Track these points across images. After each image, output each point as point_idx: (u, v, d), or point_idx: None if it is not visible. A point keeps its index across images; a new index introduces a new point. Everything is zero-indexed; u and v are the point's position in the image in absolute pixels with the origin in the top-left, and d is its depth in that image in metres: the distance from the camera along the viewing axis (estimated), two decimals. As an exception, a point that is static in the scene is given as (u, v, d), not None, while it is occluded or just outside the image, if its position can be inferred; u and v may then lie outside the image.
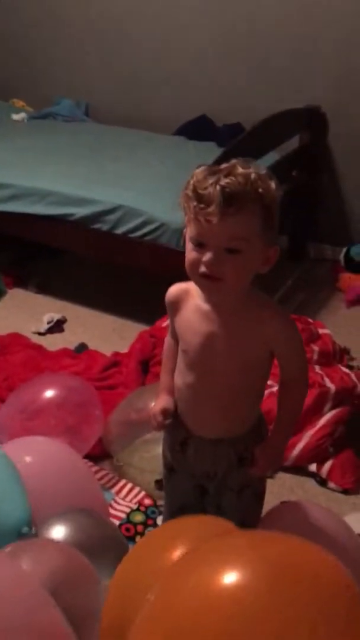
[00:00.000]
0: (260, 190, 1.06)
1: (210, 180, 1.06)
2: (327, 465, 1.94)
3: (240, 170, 1.07)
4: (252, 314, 1.17)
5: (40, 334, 2.66)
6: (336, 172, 3.11)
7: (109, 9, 3.38)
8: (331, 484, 1.92)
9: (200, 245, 1.09)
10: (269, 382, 2.11)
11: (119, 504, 1.83)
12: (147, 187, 2.63)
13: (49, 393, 1.88)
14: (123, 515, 1.76)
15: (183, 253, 2.51)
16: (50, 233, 2.75)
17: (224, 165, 1.09)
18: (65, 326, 2.72)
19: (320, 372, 2.10)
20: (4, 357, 2.42)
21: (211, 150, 2.87)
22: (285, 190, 2.87)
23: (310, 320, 2.37)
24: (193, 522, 1.06)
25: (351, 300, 2.87)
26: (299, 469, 1.98)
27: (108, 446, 1.97)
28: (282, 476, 1.97)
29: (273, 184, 1.10)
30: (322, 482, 1.94)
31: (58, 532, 1.24)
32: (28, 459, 1.37)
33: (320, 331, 2.33)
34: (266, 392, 2.07)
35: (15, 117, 3.59)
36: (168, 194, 2.55)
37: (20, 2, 3.62)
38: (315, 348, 2.20)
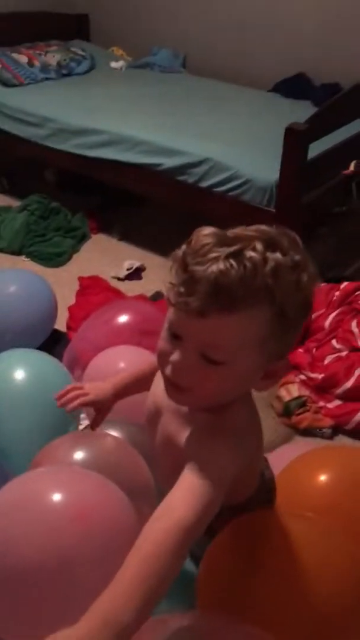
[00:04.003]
0: (273, 287, 0.77)
1: (209, 256, 0.77)
2: (390, 434, 1.94)
3: (254, 253, 0.77)
4: (202, 429, 0.88)
5: (119, 279, 2.75)
6: None
7: None
8: (391, 453, 1.92)
9: (175, 337, 0.83)
10: (337, 346, 2.15)
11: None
12: (236, 142, 2.62)
13: (124, 318, 1.84)
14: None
15: (267, 211, 2.52)
16: (137, 181, 2.80)
17: (239, 232, 0.81)
18: (143, 274, 2.80)
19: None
20: (84, 297, 2.54)
21: (306, 109, 2.82)
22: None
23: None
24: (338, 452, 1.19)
25: None
26: (360, 434, 1.99)
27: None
28: (342, 439, 1.99)
29: (304, 278, 0.80)
30: (383, 450, 1.94)
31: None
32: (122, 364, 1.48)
33: None
34: (333, 356, 2.11)
35: (113, 65, 3.64)
36: (257, 151, 2.55)
37: None
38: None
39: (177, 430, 0.93)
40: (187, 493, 0.79)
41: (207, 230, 0.82)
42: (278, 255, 0.78)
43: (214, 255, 0.77)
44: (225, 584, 0.90)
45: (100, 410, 1.17)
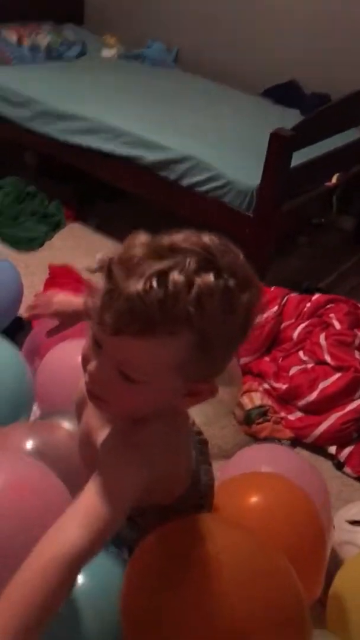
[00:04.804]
0: (195, 314, 0.71)
1: (134, 270, 0.72)
2: (347, 450, 1.94)
3: (180, 275, 0.70)
4: (117, 438, 0.87)
5: (91, 271, 2.69)
6: None
7: None
8: (347, 469, 1.92)
9: (97, 345, 0.79)
10: (304, 358, 2.14)
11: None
12: (220, 143, 2.59)
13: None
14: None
15: (245, 215, 2.49)
16: (118, 173, 2.75)
17: (178, 241, 0.74)
18: (116, 268, 2.75)
19: (359, 357, 2.08)
20: (53, 286, 2.48)
21: (294, 117, 2.81)
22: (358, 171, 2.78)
23: (359, 305, 2.32)
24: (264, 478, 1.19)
25: None
26: (318, 448, 1.98)
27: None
28: (300, 452, 1.97)
29: (238, 302, 0.74)
30: (339, 466, 1.93)
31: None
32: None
33: (368, 318, 2.28)
34: (299, 368, 2.09)
35: (105, 53, 3.57)
36: (241, 154, 2.52)
37: None
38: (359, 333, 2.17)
39: (96, 426, 0.92)
40: (84, 515, 0.76)
41: (141, 238, 0.76)
42: (209, 277, 0.72)
43: (139, 270, 0.72)
44: (148, 594, 0.87)
45: (62, 323, 1.20)
